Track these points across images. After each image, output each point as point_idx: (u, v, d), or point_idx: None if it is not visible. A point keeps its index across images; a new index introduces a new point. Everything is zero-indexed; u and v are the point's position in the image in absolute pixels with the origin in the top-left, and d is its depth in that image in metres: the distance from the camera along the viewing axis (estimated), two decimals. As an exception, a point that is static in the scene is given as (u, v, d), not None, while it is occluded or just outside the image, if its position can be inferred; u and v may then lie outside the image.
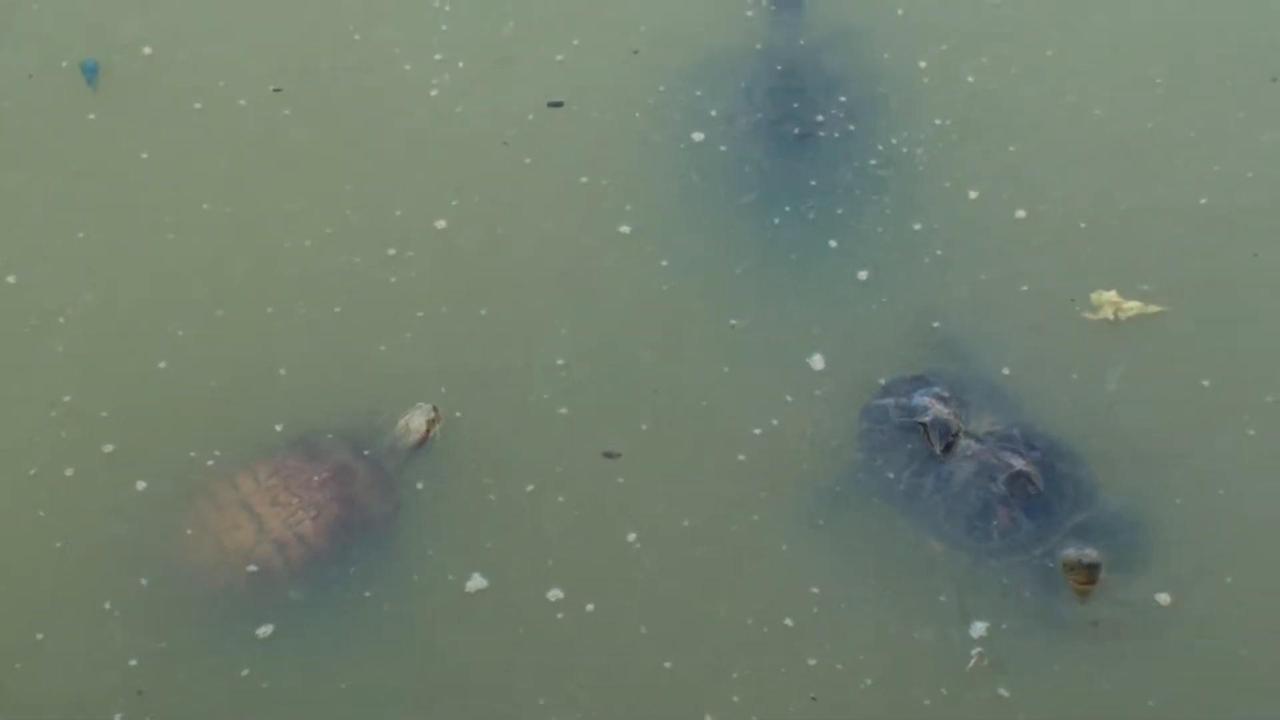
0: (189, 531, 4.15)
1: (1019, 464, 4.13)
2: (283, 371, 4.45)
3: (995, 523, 4.09)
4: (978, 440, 4.23)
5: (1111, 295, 4.49)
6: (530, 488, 4.23)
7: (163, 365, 4.45)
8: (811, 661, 3.97)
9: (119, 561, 4.12)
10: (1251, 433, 4.24)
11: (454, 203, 4.78)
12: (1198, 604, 3.99)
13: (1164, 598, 4.00)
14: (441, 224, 4.74)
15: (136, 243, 4.71)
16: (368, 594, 4.08)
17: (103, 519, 4.18)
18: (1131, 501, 4.11)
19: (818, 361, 4.43)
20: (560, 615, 4.04)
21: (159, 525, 4.17)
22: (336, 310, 4.57)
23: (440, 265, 4.67)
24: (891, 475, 4.23)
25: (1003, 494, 4.10)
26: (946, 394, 4.31)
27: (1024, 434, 4.23)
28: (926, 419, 4.22)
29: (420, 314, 4.58)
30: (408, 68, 5.07)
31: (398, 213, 4.76)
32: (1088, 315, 4.48)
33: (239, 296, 4.59)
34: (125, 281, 4.64)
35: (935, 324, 4.50)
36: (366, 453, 4.30)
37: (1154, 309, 4.48)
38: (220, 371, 4.44)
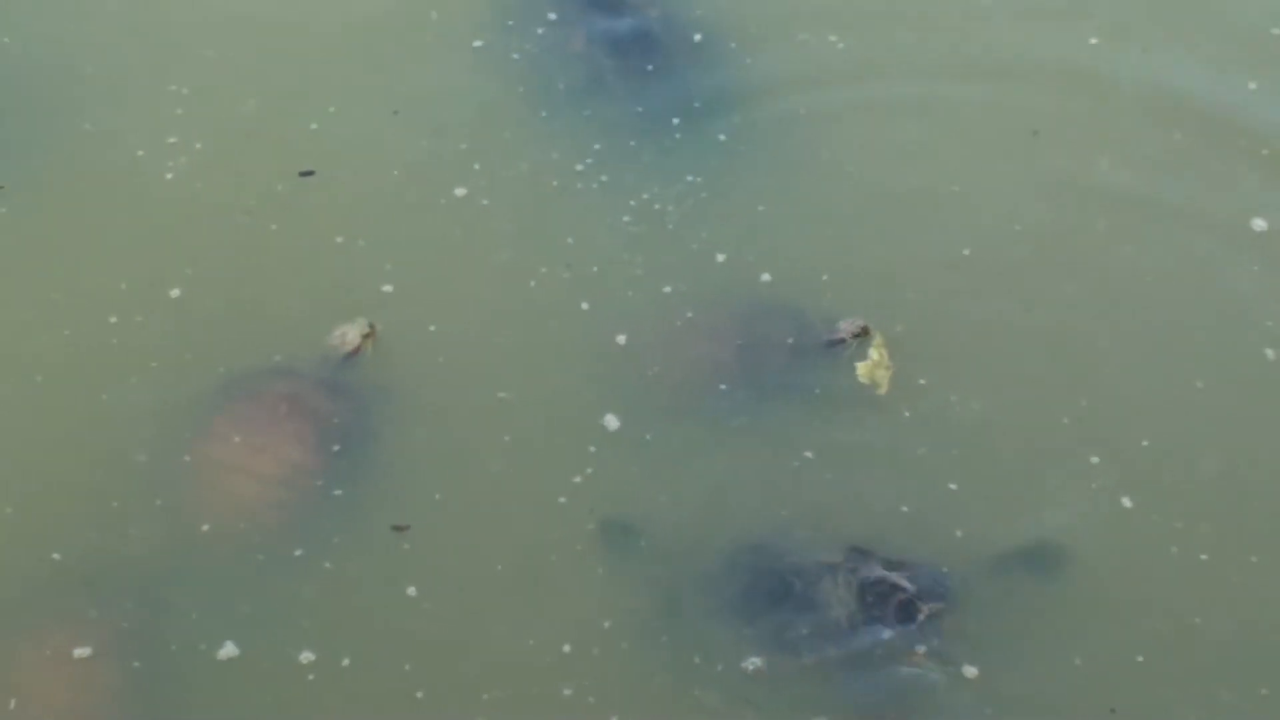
0: (214, 468, 4.22)
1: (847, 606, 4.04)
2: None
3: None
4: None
5: (872, 360, 4.43)
6: (299, 552, 4.11)
7: None
8: (567, 691, 3.92)
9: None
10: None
11: (188, 271, 4.60)
12: (1005, 679, 3.91)
13: (971, 670, 3.92)
14: (175, 292, 4.56)
15: None
16: (136, 664, 3.94)
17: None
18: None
19: (612, 421, 4.34)
20: (311, 676, 3.92)
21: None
22: (38, 379, 4.39)
23: (174, 330, 4.49)
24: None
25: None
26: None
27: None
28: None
29: (154, 364, 4.41)
30: (141, 154, 4.88)
31: (123, 286, 4.57)
32: (879, 393, 4.40)
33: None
34: None
35: (722, 386, 4.41)
36: (301, 373, 4.39)
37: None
38: None
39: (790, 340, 4.49)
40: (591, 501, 4.19)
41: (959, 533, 4.14)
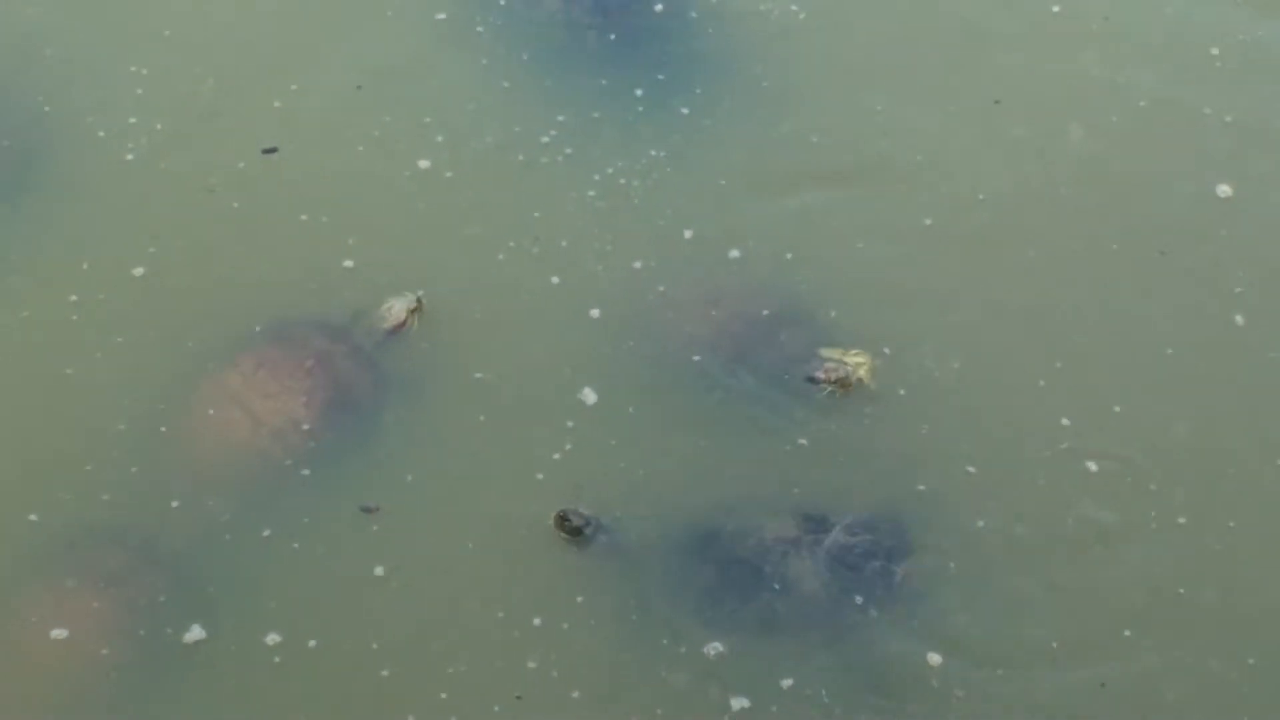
0: (190, 437, 4.22)
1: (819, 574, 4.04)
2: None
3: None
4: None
5: (865, 367, 4.39)
6: (267, 533, 4.09)
7: None
8: (531, 664, 3.93)
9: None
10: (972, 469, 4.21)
11: (151, 250, 4.58)
12: (959, 664, 3.91)
13: (935, 658, 3.92)
14: (139, 271, 4.54)
15: None
16: (105, 651, 3.91)
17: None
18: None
19: (589, 395, 4.33)
20: (278, 658, 3.92)
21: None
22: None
23: (139, 307, 4.47)
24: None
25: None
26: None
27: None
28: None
29: (120, 339, 4.38)
30: (101, 134, 4.84)
31: (85, 266, 4.55)
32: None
33: None
34: None
35: (695, 357, 4.41)
36: (343, 337, 4.38)
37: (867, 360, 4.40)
38: None
39: (766, 312, 4.48)
40: (572, 476, 4.16)
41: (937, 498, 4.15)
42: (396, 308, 4.39)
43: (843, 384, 4.29)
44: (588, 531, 4.02)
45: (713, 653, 3.91)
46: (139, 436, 4.22)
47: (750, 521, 4.11)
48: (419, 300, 4.40)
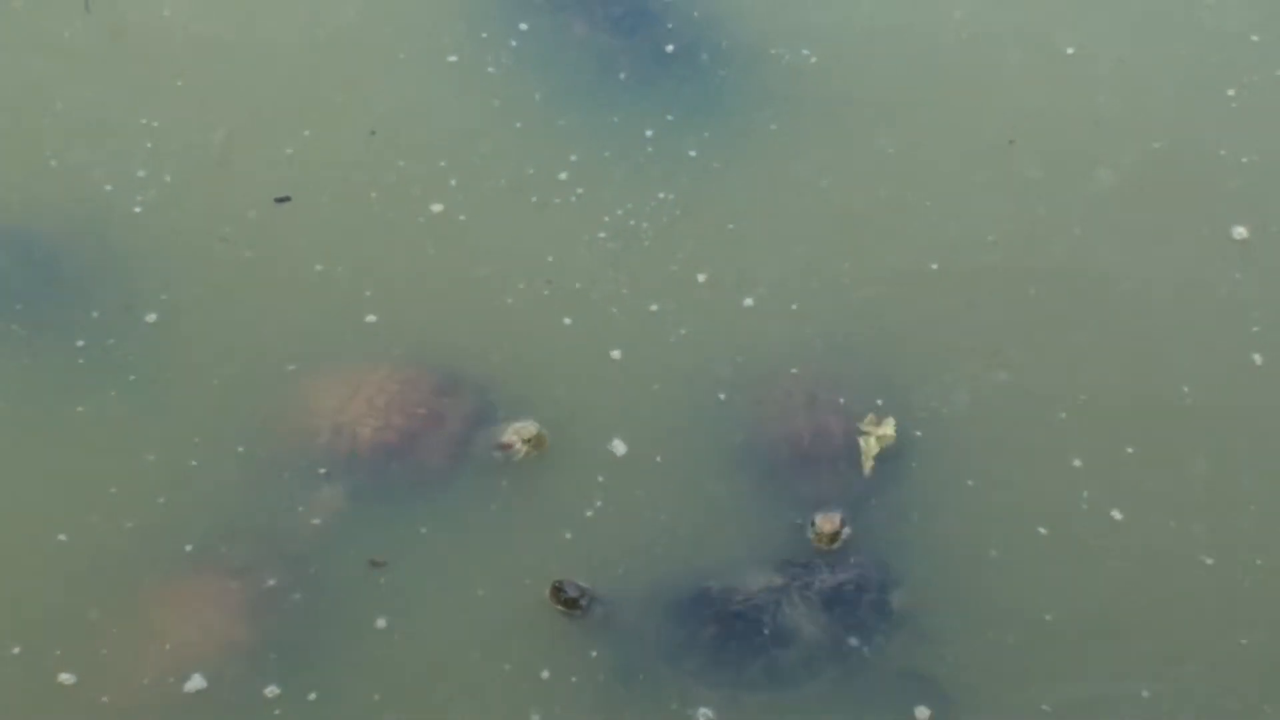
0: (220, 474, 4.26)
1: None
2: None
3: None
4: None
5: (872, 442, 4.34)
6: (271, 583, 4.05)
7: None
8: (535, 717, 3.88)
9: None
10: (1043, 530, 4.16)
11: (164, 297, 4.56)
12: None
13: (923, 711, 3.88)
14: (151, 317, 4.52)
15: None
16: (105, 699, 3.87)
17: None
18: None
19: (619, 447, 4.31)
20: (278, 711, 3.88)
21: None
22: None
23: (152, 349, 4.45)
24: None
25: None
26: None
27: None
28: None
29: (132, 377, 4.38)
30: (109, 188, 4.82)
31: (94, 314, 4.53)
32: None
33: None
34: None
35: (721, 395, 4.39)
36: (471, 418, 4.35)
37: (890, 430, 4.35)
38: None
39: (794, 370, 4.44)
40: (597, 531, 4.13)
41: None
42: (520, 432, 4.27)
43: (833, 539, 4.14)
44: (583, 603, 3.97)
45: (713, 714, 3.86)
46: (168, 469, 4.22)
47: (762, 576, 4.07)
48: (539, 434, 4.27)
